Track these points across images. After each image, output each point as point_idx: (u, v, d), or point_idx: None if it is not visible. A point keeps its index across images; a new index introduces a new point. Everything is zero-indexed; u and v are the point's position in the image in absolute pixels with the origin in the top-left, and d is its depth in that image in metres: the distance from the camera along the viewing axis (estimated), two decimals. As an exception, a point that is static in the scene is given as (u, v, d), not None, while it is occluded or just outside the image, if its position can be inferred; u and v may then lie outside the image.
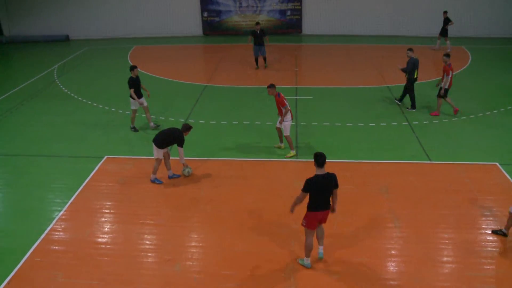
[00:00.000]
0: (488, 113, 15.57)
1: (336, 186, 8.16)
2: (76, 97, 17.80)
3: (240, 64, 21.76)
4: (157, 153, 11.05)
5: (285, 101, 12.18)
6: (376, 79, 19.09)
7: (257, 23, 20.42)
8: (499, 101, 16.53)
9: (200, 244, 9.26)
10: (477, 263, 8.62)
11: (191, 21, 27.89)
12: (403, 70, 15.48)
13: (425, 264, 8.56)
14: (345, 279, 8.21)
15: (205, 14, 27.64)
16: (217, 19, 27.69)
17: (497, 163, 12.17)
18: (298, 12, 27.29)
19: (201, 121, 14.93)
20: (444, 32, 23.09)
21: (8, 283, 8.27)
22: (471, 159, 12.44)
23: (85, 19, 28.15)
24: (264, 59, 20.65)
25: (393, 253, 8.91)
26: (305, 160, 12.34)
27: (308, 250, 8.33)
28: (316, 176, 8.03)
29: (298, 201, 8.11)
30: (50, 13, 28.25)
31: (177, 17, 27.75)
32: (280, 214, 9.98)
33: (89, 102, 17.10)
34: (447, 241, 9.21)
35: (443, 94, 14.89)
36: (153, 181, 11.30)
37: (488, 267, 8.57)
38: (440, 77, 15.23)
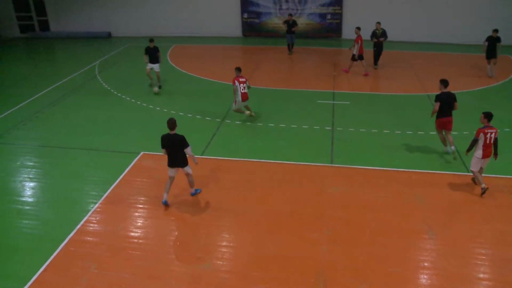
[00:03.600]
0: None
1: (455, 100, 12.25)
2: (115, 92, 18.15)
3: (278, 66, 21.78)
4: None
5: (235, 82, 14.68)
6: (415, 87, 18.73)
7: (290, 14, 24.05)
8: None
9: (231, 244, 9.27)
10: None
11: (231, 22, 28.06)
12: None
13: (459, 280, 8.31)
14: (375, 288, 8.09)
15: (245, 16, 27.77)
16: (257, 20, 27.77)
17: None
18: (339, 16, 27.08)
19: (237, 122, 14.99)
20: (491, 54, 19.52)
21: (45, 270, 8.49)
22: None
23: (127, 17, 28.75)
24: (292, 45, 23.94)
25: (426, 266, 8.67)
26: (339, 165, 12.21)
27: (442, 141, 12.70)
28: (442, 92, 12.30)
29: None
30: (93, 11, 29.07)
31: (217, 17, 27.96)
32: (312, 219, 9.90)
33: (128, 98, 17.41)
34: (483, 257, 8.90)
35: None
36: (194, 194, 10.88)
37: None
38: None
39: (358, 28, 19.87)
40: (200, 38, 28.01)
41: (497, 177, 11.63)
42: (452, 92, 12.48)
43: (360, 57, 19.82)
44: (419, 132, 14.26)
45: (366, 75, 20.08)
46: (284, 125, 14.68)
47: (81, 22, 29.49)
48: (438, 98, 12.28)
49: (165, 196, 10.30)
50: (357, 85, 18.97)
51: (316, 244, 9.16)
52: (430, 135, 14.06)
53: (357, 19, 26.33)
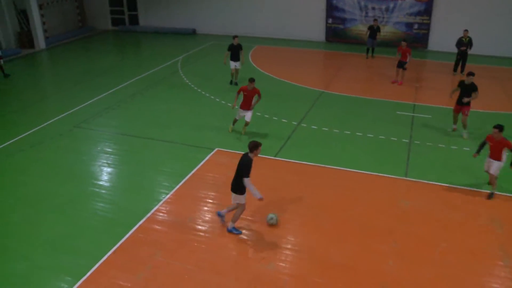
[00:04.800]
0: None
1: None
2: (195, 88, 18.55)
3: (360, 74, 21.32)
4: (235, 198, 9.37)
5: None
6: (502, 103, 17.66)
7: (375, 19, 24.04)
8: None
9: (296, 247, 9.12)
10: None
11: (314, 26, 27.85)
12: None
13: None
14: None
15: (330, 21, 27.46)
16: (341, 26, 27.38)
17: None
18: (426, 26, 26.10)
19: (313, 127, 14.79)
20: None
21: (114, 252, 8.77)
22: None
23: (211, 15, 29.40)
24: (373, 50, 24.10)
25: None
26: (414, 179, 11.70)
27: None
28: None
29: None
30: (180, 8, 30.06)
31: (301, 21, 27.86)
32: (381, 231, 9.56)
33: (207, 95, 17.73)
34: None
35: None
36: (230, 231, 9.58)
37: None
38: None
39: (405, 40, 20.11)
40: (283, 40, 28.03)
41: None
42: None
43: (402, 65, 19.59)
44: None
45: (399, 83, 19.69)
46: (360, 134, 14.30)
47: (168, 18, 30.56)
48: None
49: (223, 211, 9.80)
50: (439, 99, 18.13)
51: (383, 257, 8.82)
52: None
53: (446, 30, 25.33)
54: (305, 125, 14.92)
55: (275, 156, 12.67)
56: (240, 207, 9.33)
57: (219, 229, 9.59)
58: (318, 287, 8.05)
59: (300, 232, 9.59)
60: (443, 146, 13.68)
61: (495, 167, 10.75)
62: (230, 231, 9.46)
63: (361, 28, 26.87)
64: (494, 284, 8.30)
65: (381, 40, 24.28)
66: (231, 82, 18.89)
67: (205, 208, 10.36)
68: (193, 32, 30.11)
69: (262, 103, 14.89)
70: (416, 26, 26.34)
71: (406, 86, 19.43)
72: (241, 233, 9.46)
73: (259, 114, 15.44)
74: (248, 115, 13.76)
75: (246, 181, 8.80)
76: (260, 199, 8.80)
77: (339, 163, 12.43)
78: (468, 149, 13.47)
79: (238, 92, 13.79)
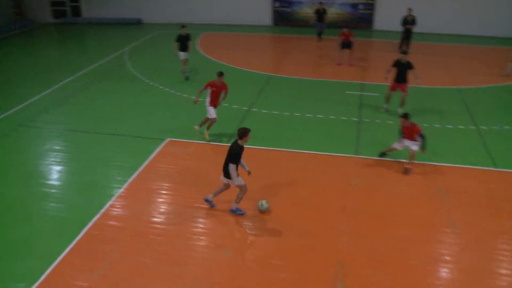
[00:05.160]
0: None
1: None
2: (143, 79, 18.27)
3: (308, 56, 21.55)
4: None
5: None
6: (444, 80, 18.28)
7: (320, 3, 24.25)
8: None
9: (253, 232, 9.22)
10: None
11: (261, 11, 27.89)
12: None
13: (481, 275, 8.11)
14: (393, 282, 7.94)
15: (277, 4, 27.56)
16: (288, 9, 27.55)
17: None
18: (371, 6, 26.64)
19: (263, 111, 14.89)
20: None
21: (69, 252, 8.60)
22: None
23: (157, 3, 28.87)
24: (321, 33, 24.08)
25: (447, 259, 8.49)
26: (364, 157, 12.01)
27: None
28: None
29: None
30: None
31: (247, 5, 27.82)
32: (335, 210, 9.79)
33: (156, 85, 17.50)
34: (507, 253, 8.65)
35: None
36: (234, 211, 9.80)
37: None
38: None
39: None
40: (230, 26, 27.91)
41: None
42: None
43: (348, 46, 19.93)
44: (447, 126, 13.92)
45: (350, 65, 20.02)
46: (311, 115, 14.51)
47: (112, 8, 29.77)
48: None
49: (210, 196, 9.89)
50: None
51: (338, 235, 9.05)
52: (458, 129, 13.71)
53: (390, 10, 25.89)
54: (256, 109, 15.00)
55: (227, 143, 12.68)
56: (241, 189, 9.45)
57: (175, 220, 9.56)
58: (278, 269, 8.18)
59: (255, 217, 9.68)
60: (392, 122, 14.06)
61: (413, 145, 11.23)
62: (233, 212, 9.67)
63: (307, 11, 27.11)
64: (443, 250, 8.70)
65: (328, 22, 24.54)
66: (187, 78, 18.34)
67: (160, 199, 10.29)
68: (138, 22, 29.52)
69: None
70: (361, 7, 26.81)
71: (354, 65, 19.80)
72: (244, 213, 9.68)
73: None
74: (212, 112, 12.82)
75: (232, 167, 9.05)
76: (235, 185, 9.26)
77: (291, 146, 12.59)
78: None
79: (205, 87, 12.66)
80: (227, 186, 9.66)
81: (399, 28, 21.80)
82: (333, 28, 25.74)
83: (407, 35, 21.52)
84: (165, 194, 10.48)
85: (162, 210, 9.92)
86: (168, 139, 12.95)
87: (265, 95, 16.34)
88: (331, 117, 14.35)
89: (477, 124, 14.10)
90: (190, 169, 11.36)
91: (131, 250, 8.66)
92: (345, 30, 19.70)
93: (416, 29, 21.73)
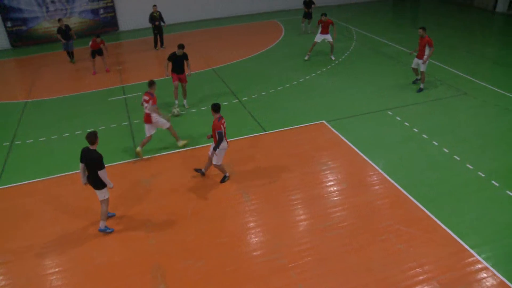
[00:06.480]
0: (308, 77, 17.05)
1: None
2: None
3: (62, 72, 20.42)
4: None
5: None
6: (201, 64, 19.52)
7: (59, 19, 21.08)
8: (314, 67, 18.24)
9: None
10: (325, 214, 9.63)
11: (-6, 34, 25.34)
12: None
13: (281, 228, 9.29)
14: (208, 264, 8.50)
15: (9, 24, 25.22)
16: (24, 27, 25.46)
17: (324, 121, 13.47)
18: (111, 9, 26.52)
19: (28, 141, 13.83)
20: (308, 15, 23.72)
21: None
22: (302, 122, 13.57)
23: None
24: (72, 52, 21.55)
25: (251, 226, 9.45)
26: (148, 156, 12.30)
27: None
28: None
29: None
30: None
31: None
32: (133, 217, 9.90)
33: None
34: (296, 202, 10.06)
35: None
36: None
37: (338, 214, 9.60)
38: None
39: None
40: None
41: (290, 129, 12.99)
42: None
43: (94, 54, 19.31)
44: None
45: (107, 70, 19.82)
46: (80, 131, 14.04)
47: None
48: None
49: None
50: (145, 74, 18.92)
51: (143, 240, 9.21)
52: (224, 105, 14.88)
53: (132, 9, 26.23)
54: (19, 142, 13.86)
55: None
56: (106, 202, 9.28)
57: None
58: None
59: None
60: (169, 114, 14.50)
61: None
62: (102, 231, 9.38)
63: (47, 25, 25.62)
64: (244, 219, 9.61)
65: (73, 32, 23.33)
66: None
67: None
68: None
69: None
70: (102, 11, 26.47)
71: (110, 71, 19.65)
72: (113, 230, 9.43)
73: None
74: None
75: (104, 172, 8.86)
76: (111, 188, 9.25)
77: (64, 170, 12.00)
78: (184, 112, 14.69)
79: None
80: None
81: (147, 24, 22.35)
82: (81, 38, 24.81)
83: (158, 32, 22.14)
84: None
85: None
86: None
87: (26, 124, 15.09)
88: (101, 128, 14.14)
89: (239, 97, 15.53)
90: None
91: None
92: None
93: (168, 21, 22.61)
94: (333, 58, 19.41)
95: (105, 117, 14.97)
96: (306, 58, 19.44)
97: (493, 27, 24.84)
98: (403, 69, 17.69)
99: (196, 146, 12.64)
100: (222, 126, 10.01)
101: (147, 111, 11.90)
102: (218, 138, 10.00)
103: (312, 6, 23.59)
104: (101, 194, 9.19)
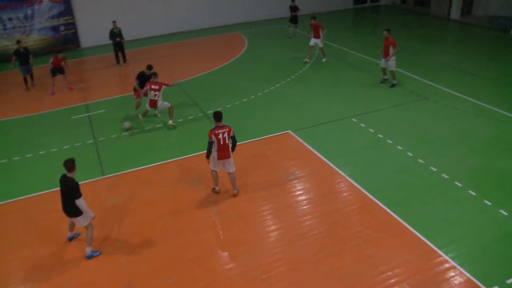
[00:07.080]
0: (272, 87, 17.19)
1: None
2: None
3: (17, 91, 19.63)
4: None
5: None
6: (165, 78, 19.39)
7: (18, 41, 19.50)
8: (278, 77, 18.43)
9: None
10: (295, 223, 9.73)
11: None
12: None
13: (252, 240, 9.34)
14: (180, 281, 8.43)
15: (-37, 44, 24.49)
16: (-20, 47, 24.78)
17: (289, 131, 13.61)
18: (72, 26, 26.12)
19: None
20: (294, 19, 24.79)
21: None
22: (268, 132, 13.67)
23: None
24: (31, 76, 20.18)
25: (221, 239, 9.50)
26: (111, 175, 12.13)
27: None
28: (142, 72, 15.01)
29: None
30: None
31: None
32: (100, 236, 9.69)
33: None
34: (265, 213, 10.12)
35: None
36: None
37: (308, 223, 9.70)
38: None
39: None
40: None
41: (257, 140, 13.01)
42: None
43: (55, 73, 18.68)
44: (179, 120, 14.92)
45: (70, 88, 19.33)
46: (44, 152, 13.75)
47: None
48: None
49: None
50: (108, 91, 18.72)
51: (112, 260, 9.05)
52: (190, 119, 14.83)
53: (93, 25, 25.91)
54: (-20, 165, 13.45)
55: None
56: (89, 228, 8.98)
57: None
58: None
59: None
60: (126, 134, 14.38)
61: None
62: (89, 257, 9.06)
63: (4, 44, 24.90)
64: (212, 234, 9.57)
65: (33, 50, 22.56)
66: None
67: None
68: None
69: None
70: (62, 28, 26.06)
71: (73, 89, 19.26)
72: (100, 253, 9.19)
73: None
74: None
75: (81, 201, 8.56)
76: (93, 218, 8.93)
77: (25, 193, 11.68)
78: (149, 128, 14.57)
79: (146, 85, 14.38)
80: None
81: (108, 41, 22.06)
82: (41, 56, 24.26)
83: (119, 48, 21.86)
84: None
85: None
86: None
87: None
88: (65, 147, 13.87)
89: (204, 110, 15.51)
90: None
91: None
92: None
93: (128, 37, 22.41)
94: (323, 60, 20.54)
95: (68, 136, 14.67)
96: (307, 60, 20.49)
97: (448, 33, 25.67)
98: (366, 77, 18.07)
99: (160, 162, 12.52)
100: (213, 135, 10.04)
101: (155, 98, 14.23)
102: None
103: (297, 11, 24.52)
104: (80, 221, 8.89)
